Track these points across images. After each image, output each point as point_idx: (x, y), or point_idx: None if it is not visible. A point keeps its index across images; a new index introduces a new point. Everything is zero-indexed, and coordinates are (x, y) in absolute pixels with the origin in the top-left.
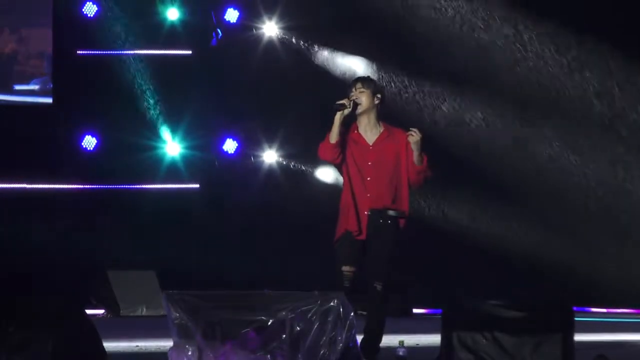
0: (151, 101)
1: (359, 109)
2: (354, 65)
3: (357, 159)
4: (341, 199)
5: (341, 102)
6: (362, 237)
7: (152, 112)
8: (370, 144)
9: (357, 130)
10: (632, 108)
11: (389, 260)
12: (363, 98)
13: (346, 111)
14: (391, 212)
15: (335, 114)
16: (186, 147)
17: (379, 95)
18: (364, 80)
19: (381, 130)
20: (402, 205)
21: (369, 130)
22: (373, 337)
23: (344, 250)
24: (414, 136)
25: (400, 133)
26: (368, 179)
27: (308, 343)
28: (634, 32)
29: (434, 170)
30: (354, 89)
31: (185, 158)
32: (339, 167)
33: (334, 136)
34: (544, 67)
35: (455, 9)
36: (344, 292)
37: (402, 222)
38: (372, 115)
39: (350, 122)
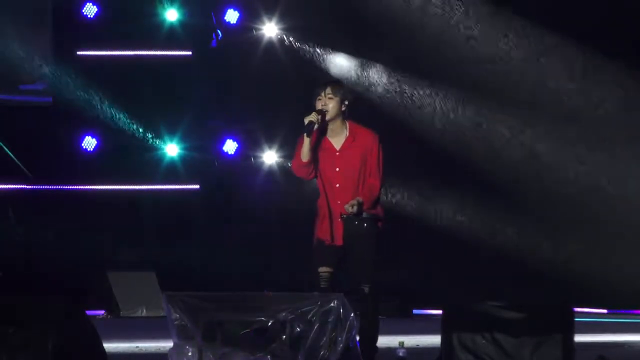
0: (151, 102)
1: (327, 116)
2: (354, 66)
3: (325, 166)
4: (317, 205)
5: (309, 119)
6: (337, 243)
7: (152, 113)
8: (337, 149)
9: (325, 135)
10: (630, 110)
11: (372, 262)
12: (330, 105)
13: (316, 126)
14: (364, 215)
15: (305, 131)
16: (186, 148)
17: (346, 102)
18: (334, 86)
19: (347, 135)
20: (375, 207)
21: (335, 136)
22: (368, 338)
23: (319, 253)
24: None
25: (366, 134)
26: (337, 185)
27: (308, 344)
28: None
29: (431, 172)
30: (322, 94)
31: (185, 159)
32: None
33: (305, 155)
34: (544, 70)
35: (455, 11)
36: (321, 292)
37: (379, 224)
38: (338, 121)
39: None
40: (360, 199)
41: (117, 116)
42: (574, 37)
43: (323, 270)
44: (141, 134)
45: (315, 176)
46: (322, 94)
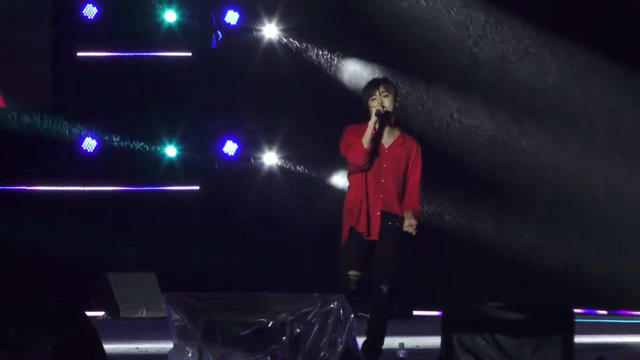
0: (151, 103)
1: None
2: (354, 67)
3: (372, 160)
4: (348, 199)
5: (377, 109)
6: (372, 237)
7: (152, 114)
8: (387, 147)
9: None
10: (629, 112)
11: (395, 262)
12: (387, 102)
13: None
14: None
15: (371, 118)
16: (186, 149)
17: (398, 98)
18: (386, 84)
19: (397, 135)
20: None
21: (385, 134)
22: (375, 340)
23: (352, 253)
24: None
25: (412, 140)
26: (382, 180)
27: (308, 345)
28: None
29: (433, 172)
30: (376, 93)
31: (185, 160)
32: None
33: (367, 141)
34: (548, 72)
35: (456, 11)
36: (350, 295)
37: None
38: (390, 119)
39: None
40: (415, 217)
41: (117, 117)
42: (596, 46)
43: (353, 273)
44: (141, 135)
45: (369, 169)
46: (377, 93)
